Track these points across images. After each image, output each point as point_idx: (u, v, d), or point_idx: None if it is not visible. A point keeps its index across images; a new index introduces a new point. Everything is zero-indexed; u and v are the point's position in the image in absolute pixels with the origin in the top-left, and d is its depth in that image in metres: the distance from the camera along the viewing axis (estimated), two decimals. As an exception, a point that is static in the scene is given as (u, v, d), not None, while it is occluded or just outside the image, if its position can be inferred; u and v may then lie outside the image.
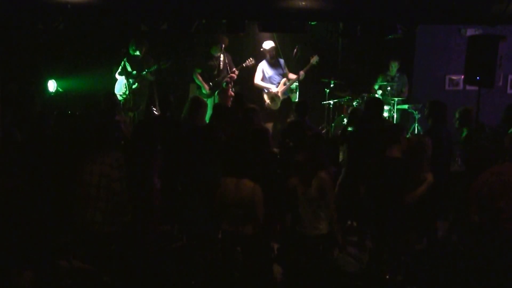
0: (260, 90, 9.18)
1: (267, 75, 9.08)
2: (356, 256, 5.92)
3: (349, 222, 6.52)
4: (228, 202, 4.68)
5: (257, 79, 9.14)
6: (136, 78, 8.84)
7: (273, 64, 9.03)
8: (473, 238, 4.80)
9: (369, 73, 9.69)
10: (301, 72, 8.94)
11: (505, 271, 4.57)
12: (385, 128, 5.45)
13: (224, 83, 8.85)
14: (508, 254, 4.56)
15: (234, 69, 8.93)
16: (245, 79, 9.40)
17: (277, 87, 9.05)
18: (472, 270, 4.81)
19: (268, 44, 9.00)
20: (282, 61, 9.03)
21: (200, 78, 8.94)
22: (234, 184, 4.68)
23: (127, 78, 8.70)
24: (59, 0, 7.12)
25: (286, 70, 9.07)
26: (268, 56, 9.02)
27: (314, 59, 8.89)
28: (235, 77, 8.94)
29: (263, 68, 9.09)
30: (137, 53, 8.88)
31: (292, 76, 9.07)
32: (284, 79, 8.99)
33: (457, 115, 6.53)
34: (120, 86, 8.89)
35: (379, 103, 6.40)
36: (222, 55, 8.92)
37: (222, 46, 8.85)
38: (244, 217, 4.66)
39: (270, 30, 9.00)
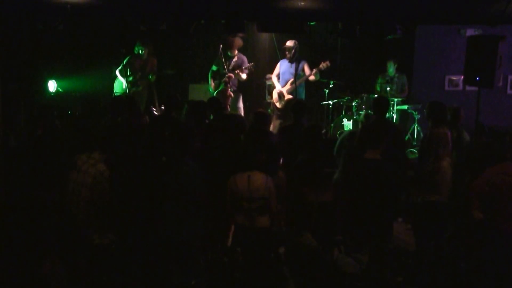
0: (271, 86, 9.17)
1: (280, 71, 9.02)
2: (356, 257, 5.90)
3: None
4: (241, 197, 4.69)
5: (273, 74, 9.12)
6: (138, 80, 8.85)
7: (290, 62, 8.86)
8: (473, 238, 4.80)
9: (369, 74, 9.70)
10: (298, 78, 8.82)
11: (505, 272, 4.58)
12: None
13: (222, 84, 8.84)
14: (507, 254, 4.56)
15: (237, 71, 8.89)
16: (250, 79, 9.37)
17: (284, 85, 9.02)
18: (472, 270, 4.82)
19: (287, 43, 8.89)
20: (303, 63, 8.80)
21: (211, 76, 9.01)
22: (245, 178, 4.71)
23: (128, 77, 8.70)
24: (59, 0, 7.11)
25: (303, 73, 8.77)
26: (286, 53, 8.91)
27: (324, 65, 8.65)
28: (233, 77, 8.92)
29: (280, 64, 9.03)
30: (141, 52, 8.90)
31: (311, 77, 8.78)
32: (291, 79, 8.91)
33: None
34: (120, 84, 8.89)
35: (385, 103, 6.44)
36: (236, 57, 8.97)
37: (235, 48, 8.91)
38: (258, 210, 4.68)
39: (269, 30, 9.01)
